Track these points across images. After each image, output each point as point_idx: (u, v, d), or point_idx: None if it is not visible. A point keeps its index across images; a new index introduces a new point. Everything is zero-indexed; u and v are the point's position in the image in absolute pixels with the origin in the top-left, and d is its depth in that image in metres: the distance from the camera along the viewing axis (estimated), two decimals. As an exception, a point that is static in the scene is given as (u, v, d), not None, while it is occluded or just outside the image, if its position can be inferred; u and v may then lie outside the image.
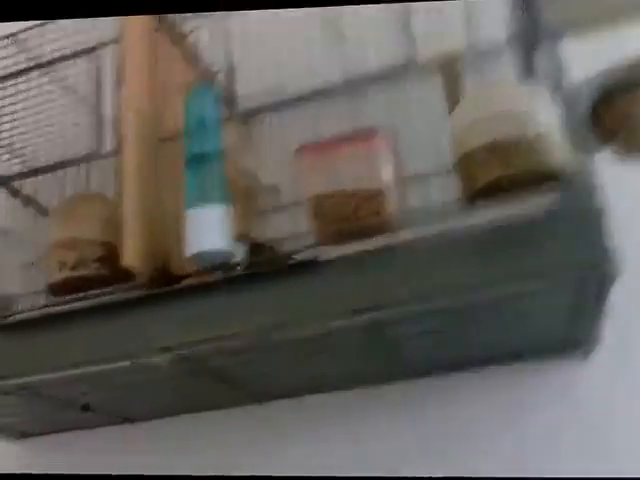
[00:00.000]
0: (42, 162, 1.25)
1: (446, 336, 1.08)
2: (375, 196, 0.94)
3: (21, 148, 1.29)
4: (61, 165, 1.20)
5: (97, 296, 1.07)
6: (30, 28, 1.25)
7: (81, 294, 1.07)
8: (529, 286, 0.93)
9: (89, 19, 1.21)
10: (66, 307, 1.08)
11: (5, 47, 1.26)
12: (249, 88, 1.26)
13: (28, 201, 1.26)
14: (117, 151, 1.04)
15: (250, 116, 1.26)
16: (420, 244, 0.94)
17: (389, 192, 0.94)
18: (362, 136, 0.97)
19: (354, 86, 1.10)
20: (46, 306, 1.09)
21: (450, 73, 1.03)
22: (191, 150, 1.05)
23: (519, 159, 0.90)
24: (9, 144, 1.30)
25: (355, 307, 0.96)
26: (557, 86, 0.96)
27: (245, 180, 1.20)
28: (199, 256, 1.00)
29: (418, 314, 0.98)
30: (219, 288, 1.02)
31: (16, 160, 1.30)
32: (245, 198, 1.21)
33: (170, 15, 1.20)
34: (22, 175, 1.25)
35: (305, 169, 0.98)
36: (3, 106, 1.26)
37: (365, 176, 0.95)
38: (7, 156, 1.31)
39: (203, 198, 1.02)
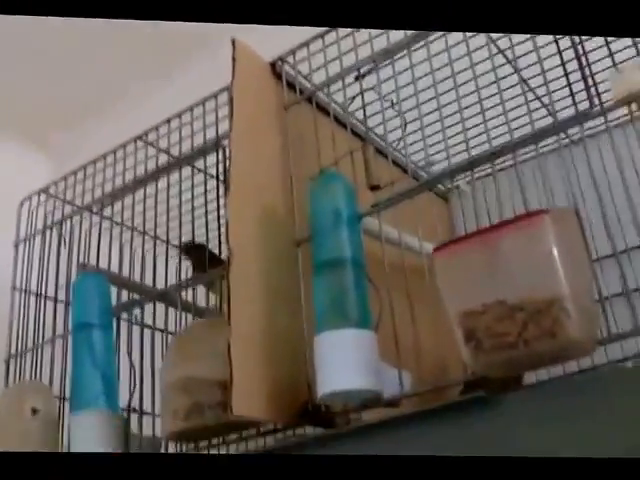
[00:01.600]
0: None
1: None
2: (548, 309, 0.63)
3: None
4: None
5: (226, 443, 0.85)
6: (157, 127, 1.09)
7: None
8: None
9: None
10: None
11: (140, 149, 1.10)
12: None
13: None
14: (226, 270, 0.80)
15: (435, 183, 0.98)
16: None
17: (569, 302, 0.63)
18: (523, 223, 0.66)
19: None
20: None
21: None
22: (319, 257, 0.80)
23: None
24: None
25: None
26: None
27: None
28: (333, 396, 0.75)
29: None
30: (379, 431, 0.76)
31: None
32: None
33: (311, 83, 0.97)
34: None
35: (447, 275, 0.69)
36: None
37: (531, 281, 0.64)
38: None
39: (335, 320, 0.76)
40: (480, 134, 0.85)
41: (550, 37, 0.82)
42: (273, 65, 0.98)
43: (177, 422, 0.81)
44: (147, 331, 1.04)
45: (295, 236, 0.88)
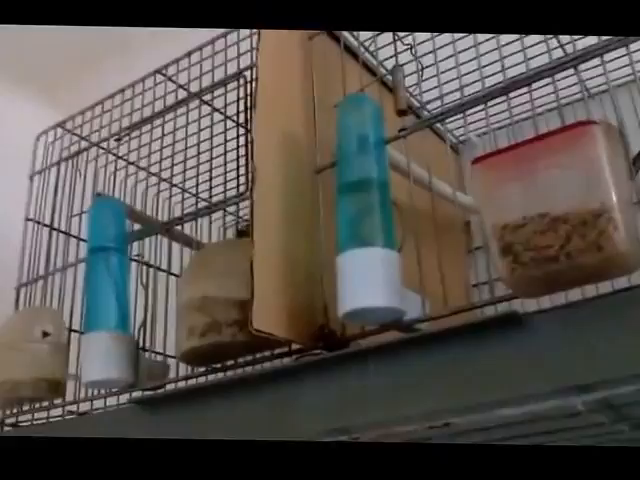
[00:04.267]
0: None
1: None
2: (594, 221, 0.54)
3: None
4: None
5: (240, 366, 0.76)
6: (176, 61, 0.98)
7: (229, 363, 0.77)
8: None
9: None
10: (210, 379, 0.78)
11: (159, 83, 1.00)
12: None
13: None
14: (250, 188, 0.71)
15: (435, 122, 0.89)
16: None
17: (616, 213, 0.54)
18: (570, 133, 0.57)
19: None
20: (188, 377, 0.80)
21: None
22: (344, 177, 0.71)
23: None
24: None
25: (576, 382, 0.57)
26: None
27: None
28: (354, 315, 0.66)
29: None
30: (392, 352, 0.67)
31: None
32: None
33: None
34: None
35: (485, 188, 0.60)
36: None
37: (577, 191, 0.56)
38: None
39: (359, 239, 0.67)
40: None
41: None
42: (298, -3, 0.90)
43: (193, 339, 0.72)
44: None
45: (316, 164, 0.80)
